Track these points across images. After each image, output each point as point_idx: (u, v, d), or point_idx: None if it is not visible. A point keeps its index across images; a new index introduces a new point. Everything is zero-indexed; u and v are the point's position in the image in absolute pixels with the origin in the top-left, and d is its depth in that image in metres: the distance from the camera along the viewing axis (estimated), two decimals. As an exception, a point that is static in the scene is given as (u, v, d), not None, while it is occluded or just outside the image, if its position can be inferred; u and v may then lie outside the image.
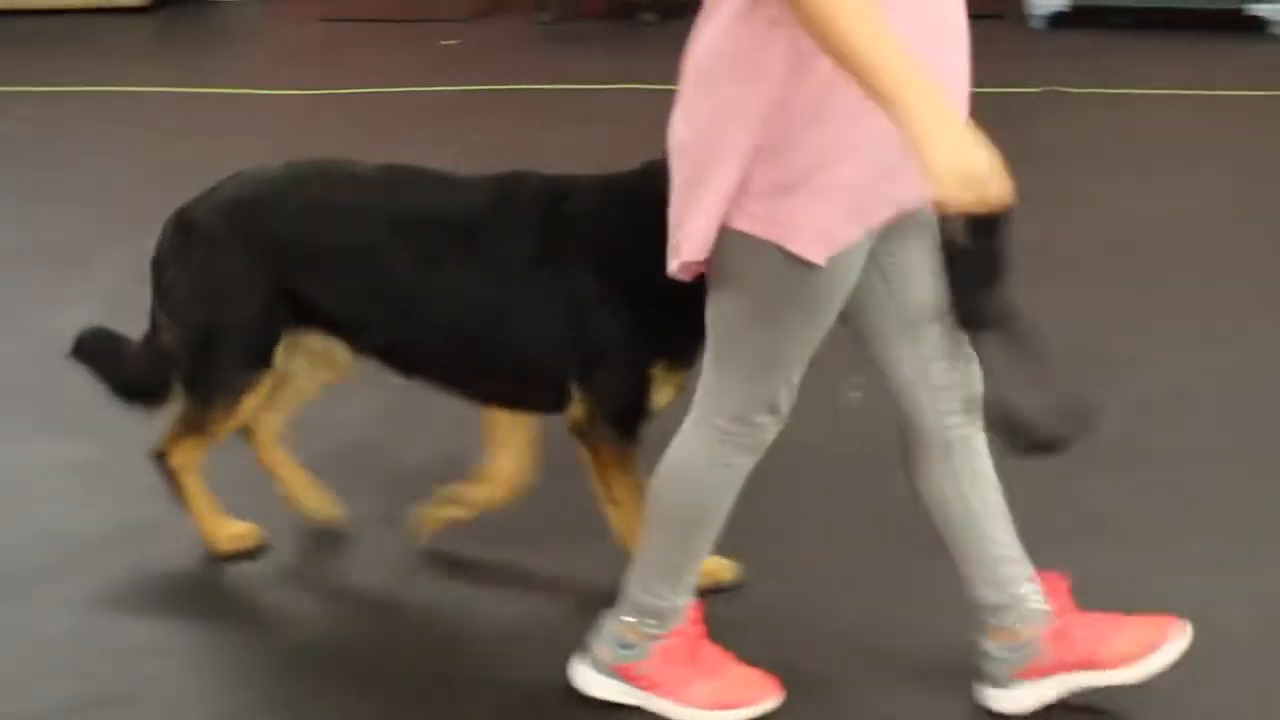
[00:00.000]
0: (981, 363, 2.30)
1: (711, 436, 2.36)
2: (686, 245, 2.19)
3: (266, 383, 2.88)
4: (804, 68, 2.05)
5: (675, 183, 2.21)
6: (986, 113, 2.10)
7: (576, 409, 2.73)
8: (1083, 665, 2.46)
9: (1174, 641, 2.46)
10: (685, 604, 2.51)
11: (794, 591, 2.88)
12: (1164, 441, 3.38)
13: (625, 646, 2.51)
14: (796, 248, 2.13)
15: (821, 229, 2.13)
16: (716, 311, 2.29)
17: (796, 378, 2.32)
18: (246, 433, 3.02)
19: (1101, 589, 2.54)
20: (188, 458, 2.94)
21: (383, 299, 2.78)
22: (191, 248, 2.86)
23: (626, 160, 2.67)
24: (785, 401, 2.33)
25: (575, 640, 2.60)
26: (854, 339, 2.39)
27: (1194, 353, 3.81)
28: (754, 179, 2.11)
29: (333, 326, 2.85)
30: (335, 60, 7.69)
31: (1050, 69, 6.76)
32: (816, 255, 2.14)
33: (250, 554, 3.03)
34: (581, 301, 2.65)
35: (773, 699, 2.57)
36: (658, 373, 2.68)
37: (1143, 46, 7.30)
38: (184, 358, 2.90)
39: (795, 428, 2.39)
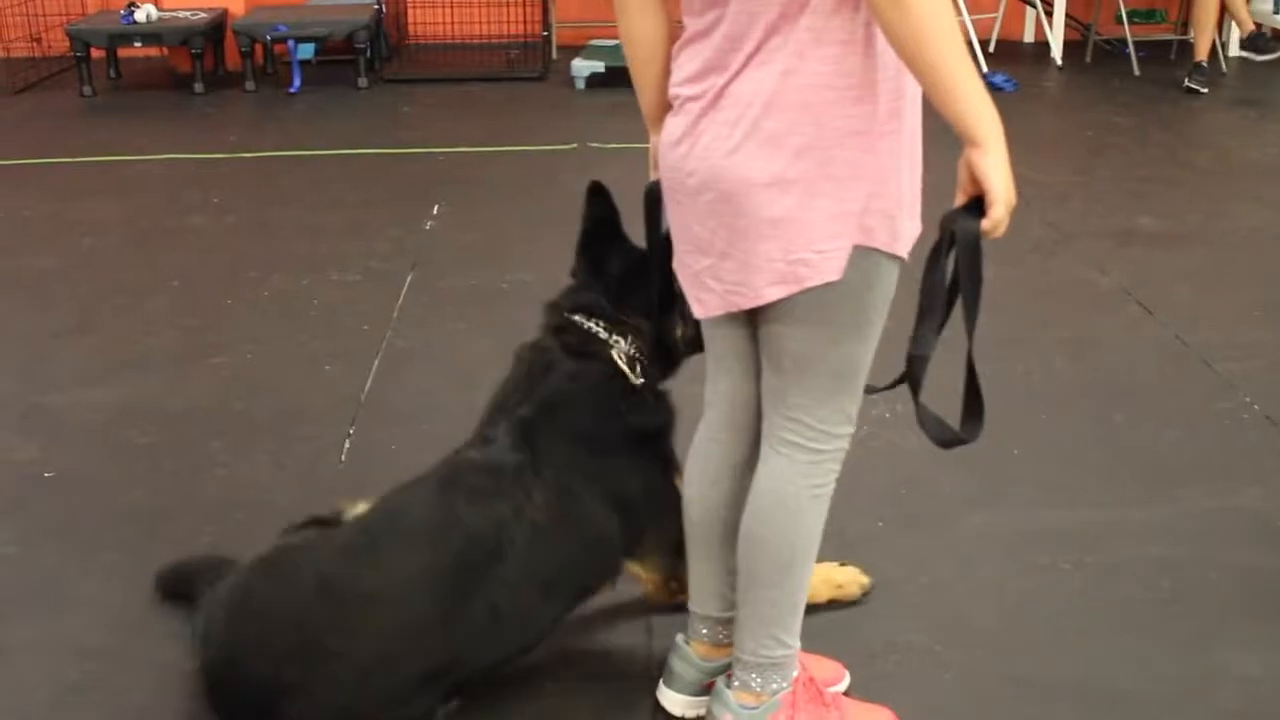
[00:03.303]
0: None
1: (804, 462, 2.33)
2: (825, 267, 2.16)
3: None
4: (895, 88, 2.12)
5: (770, 215, 2.14)
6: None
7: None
8: None
9: None
10: (799, 646, 2.49)
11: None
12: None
13: (752, 708, 2.45)
14: (901, 250, 2.21)
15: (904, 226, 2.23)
16: (807, 333, 2.25)
17: None
18: None
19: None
20: None
21: None
22: None
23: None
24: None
25: None
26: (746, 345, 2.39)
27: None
28: (874, 195, 2.15)
29: None
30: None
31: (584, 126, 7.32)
32: (905, 251, 2.23)
33: None
34: (617, 481, 2.61)
35: None
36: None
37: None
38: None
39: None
